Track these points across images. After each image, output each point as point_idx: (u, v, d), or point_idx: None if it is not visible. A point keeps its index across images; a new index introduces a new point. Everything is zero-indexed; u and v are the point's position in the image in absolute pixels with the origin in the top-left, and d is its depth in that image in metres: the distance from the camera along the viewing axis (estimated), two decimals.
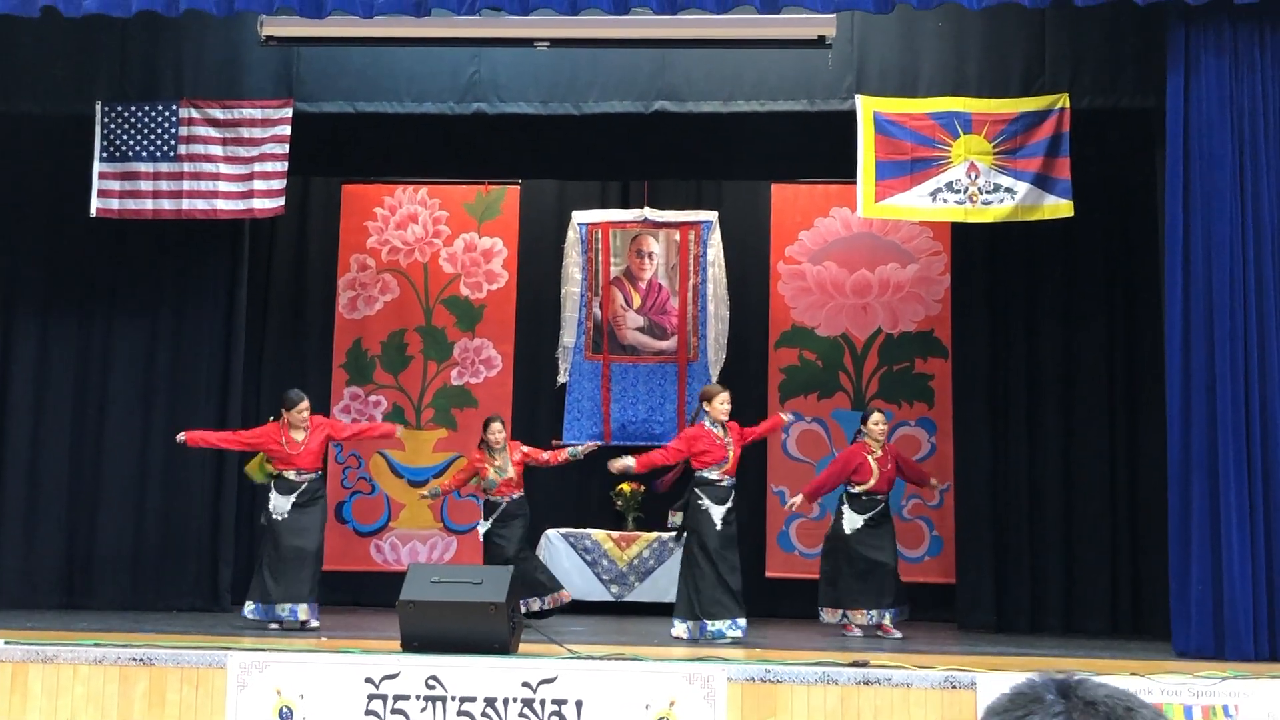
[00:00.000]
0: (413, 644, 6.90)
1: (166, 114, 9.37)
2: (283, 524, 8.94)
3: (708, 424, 8.68)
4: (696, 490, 8.60)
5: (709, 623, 8.41)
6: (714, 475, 8.61)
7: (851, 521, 9.12)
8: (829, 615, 9.12)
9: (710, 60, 9.19)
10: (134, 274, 10.42)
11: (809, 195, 11.48)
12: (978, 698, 6.40)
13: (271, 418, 9.23)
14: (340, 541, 10.97)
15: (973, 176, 8.83)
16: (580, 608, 10.08)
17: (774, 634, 8.55)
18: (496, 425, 9.73)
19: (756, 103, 9.21)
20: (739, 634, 8.37)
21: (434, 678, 6.57)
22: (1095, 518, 10.09)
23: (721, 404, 8.70)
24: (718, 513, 8.55)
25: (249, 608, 8.87)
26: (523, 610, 9.22)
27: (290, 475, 9.01)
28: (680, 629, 8.50)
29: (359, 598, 10.74)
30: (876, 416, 9.43)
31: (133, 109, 9.38)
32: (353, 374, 11.43)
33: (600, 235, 11.42)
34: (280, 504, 8.96)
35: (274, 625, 8.75)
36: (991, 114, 8.84)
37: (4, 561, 9.97)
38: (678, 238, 11.42)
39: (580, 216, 11.47)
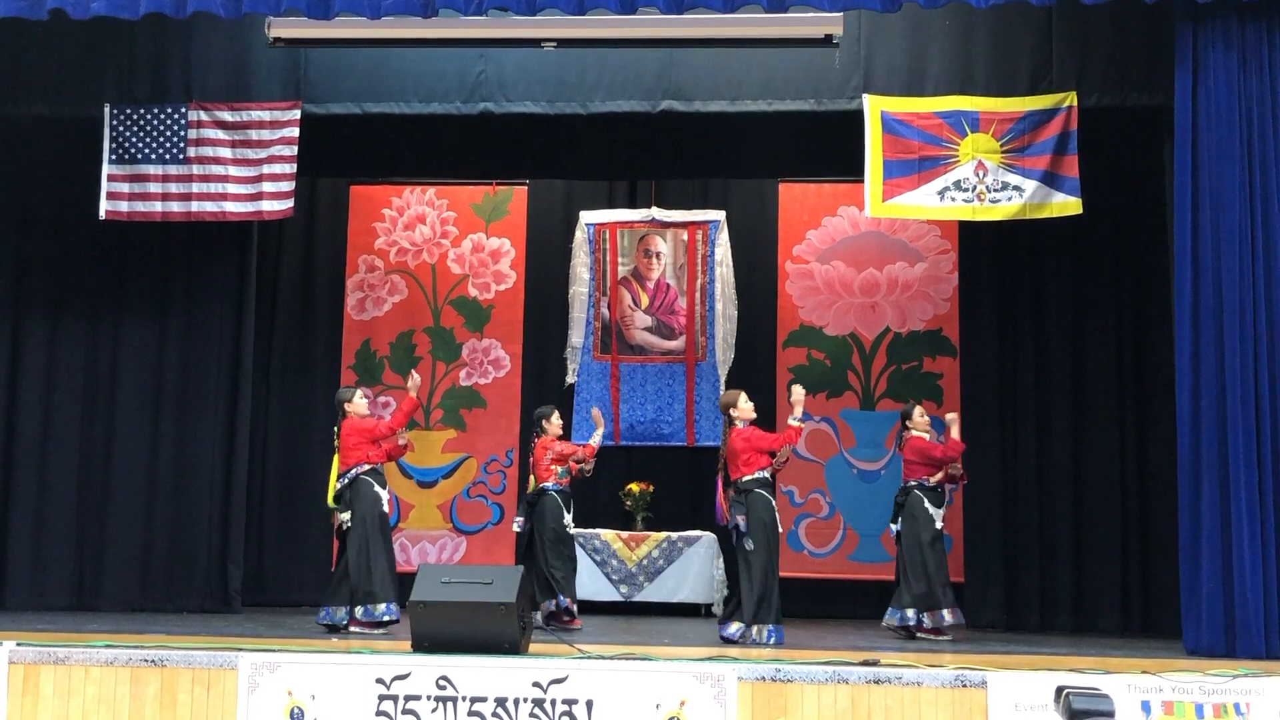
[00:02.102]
0: (423, 644, 6.91)
1: (175, 116, 9.41)
2: (386, 517, 8.89)
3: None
4: (762, 492, 8.46)
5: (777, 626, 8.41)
6: (769, 475, 8.58)
7: (939, 517, 9.08)
8: (952, 615, 8.97)
9: (717, 60, 9.19)
10: (143, 276, 10.43)
11: (816, 194, 11.48)
12: (988, 696, 6.40)
13: (340, 420, 8.96)
14: None
15: (980, 175, 8.84)
16: (589, 608, 10.08)
17: (784, 633, 8.52)
18: (557, 414, 9.68)
19: (764, 102, 9.21)
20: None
21: (445, 678, 6.58)
22: (1105, 515, 10.09)
23: (746, 403, 8.68)
24: (777, 514, 8.55)
25: (382, 609, 8.56)
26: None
27: (380, 468, 8.91)
28: (740, 629, 8.37)
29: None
30: (919, 410, 9.38)
31: (141, 111, 9.42)
32: (361, 375, 11.44)
33: (608, 235, 11.43)
34: (385, 497, 8.85)
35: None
36: (999, 112, 8.86)
37: (15, 563, 10.00)
38: (685, 237, 11.43)
39: (588, 217, 11.47)
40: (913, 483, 9.09)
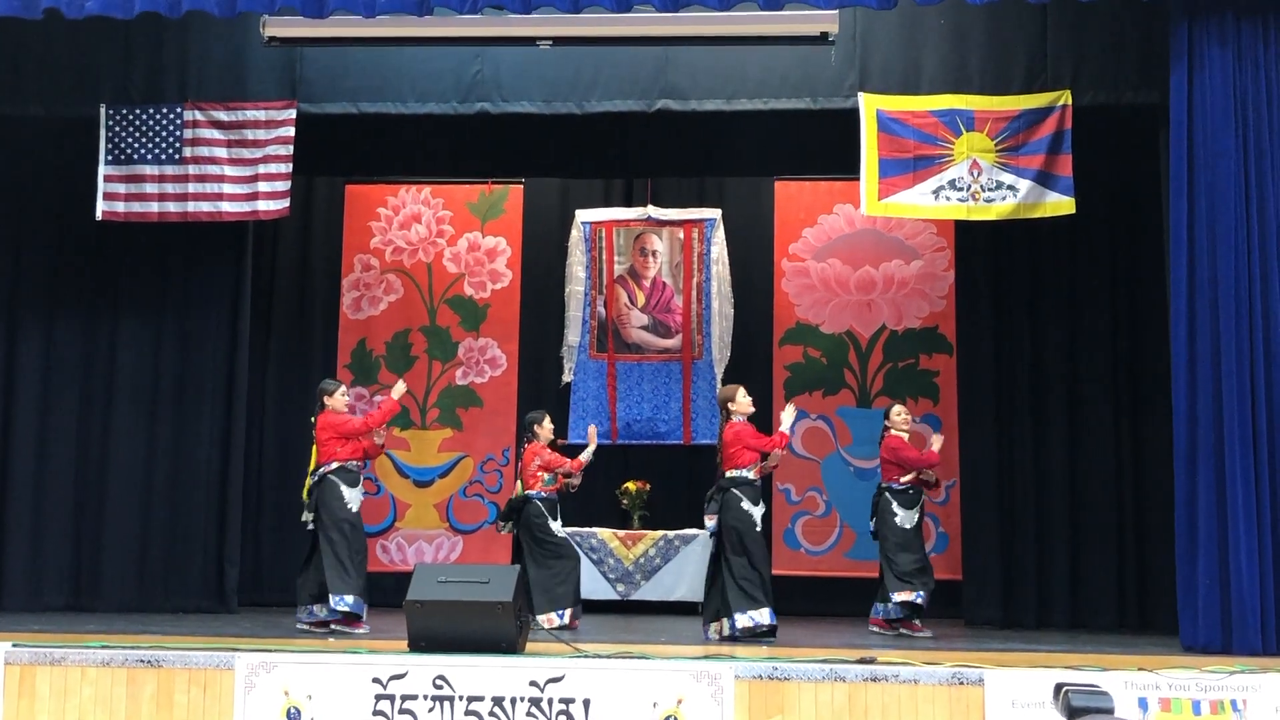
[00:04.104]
0: (420, 644, 6.91)
1: (171, 116, 9.41)
2: (359, 516, 8.88)
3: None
4: (736, 493, 8.52)
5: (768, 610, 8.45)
6: (752, 475, 8.60)
7: (908, 518, 9.12)
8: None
9: (713, 58, 9.20)
10: (139, 276, 10.40)
11: (812, 192, 11.48)
12: (985, 693, 6.41)
13: (317, 412, 8.98)
14: None
15: (975, 174, 8.85)
16: (587, 606, 10.06)
17: (781, 631, 8.54)
18: (549, 419, 9.67)
19: (759, 101, 9.22)
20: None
21: (441, 677, 6.58)
22: (1101, 512, 10.09)
23: (744, 397, 8.70)
24: (758, 513, 8.56)
25: (350, 601, 8.59)
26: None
27: (352, 466, 8.91)
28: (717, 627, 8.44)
29: (366, 598, 10.74)
30: (898, 408, 9.42)
31: (137, 111, 9.42)
32: (357, 374, 11.44)
33: (604, 234, 11.42)
34: (356, 497, 8.84)
35: (362, 627, 8.66)
36: (994, 111, 8.87)
37: (11, 564, 9.98)
38: (681, 235, 11.43)
39: (584, 215, 11.46)
40: (884, 484, 9.15)
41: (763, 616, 8.37)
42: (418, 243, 11.68)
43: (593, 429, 10.01)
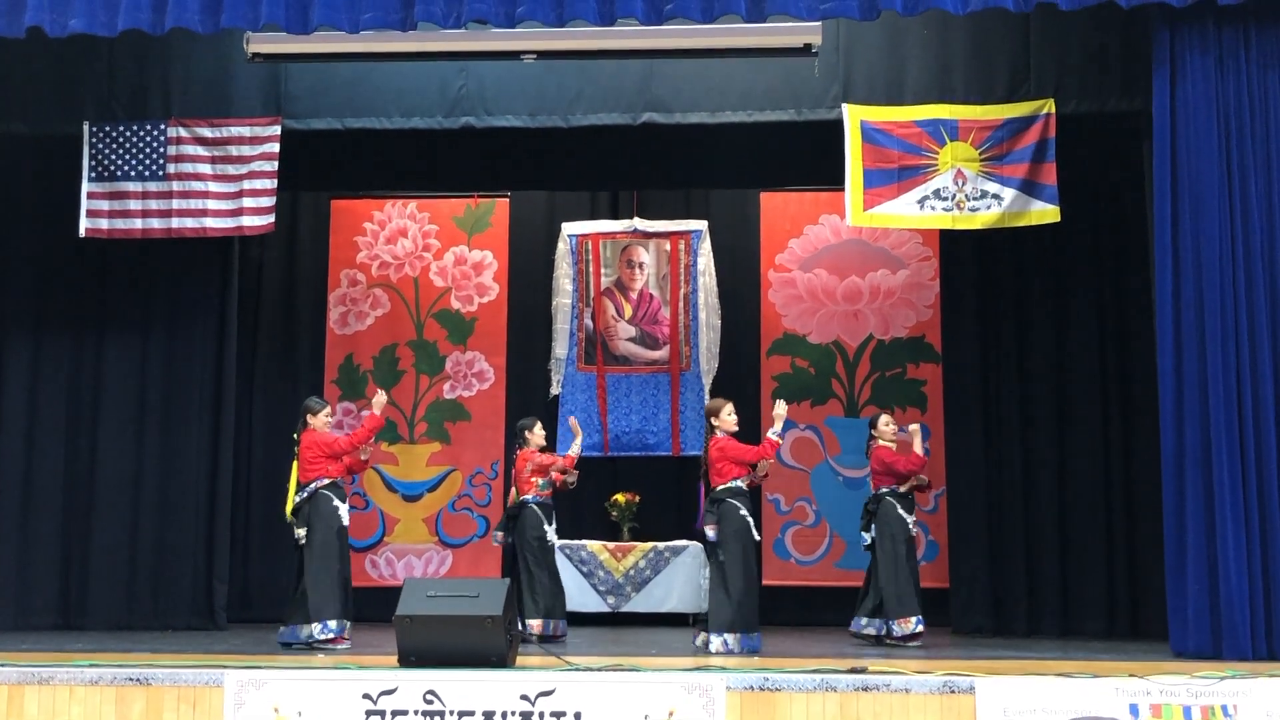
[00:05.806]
0: (410, 659, 6.90)
1: (155, 133, 9.40)
2: (346, 532, 8.86)
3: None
4: (734, 502, 8.50)
5: (758, 633, 8.42)
6: (744, 484, 8.59)
7: (911, 523, 9.12)
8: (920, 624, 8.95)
9: (697, 71, 9.22)
10: (124, 293, 10.39)
11: (798, 203, 11.51)
12: (977, 701, 6.41)
13: (300, 430, 8.94)
14: None
15: (960, 184, 8.88)
16: (577, 619, 10.07)
17: (772, 642, 8.55)
18: (540, 425, 9.66)
19: (744, 113, 9.25)
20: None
21: (432, 692, 6.56)
22: (1090, 519, 10.10)
23: (729, 414, 8.70)
24: (753, 522, 8.56)
25: (334, 626, 8.54)
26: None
27: (341, 482, 8.90)
28: (723, 641, 8.38)
29: (355, 613, 10.69)
30: (885, 418, 9.42)
31: (120, 129, 9.41)
32: (345, 389, 11.43)
33: (590, 246, 11.43)
34: (346, 511, 8.82)
35: (345, 643, 8.61)
36: (978, 120, 8.90)
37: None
38: (668, 247, 11.44)
39: (570, 228, 11.48)
40: (884, 490, 9.13)
41: (734, 642, 8.34)
42: (404, 257, 11.67)
43: (573, 420, 9.93)
